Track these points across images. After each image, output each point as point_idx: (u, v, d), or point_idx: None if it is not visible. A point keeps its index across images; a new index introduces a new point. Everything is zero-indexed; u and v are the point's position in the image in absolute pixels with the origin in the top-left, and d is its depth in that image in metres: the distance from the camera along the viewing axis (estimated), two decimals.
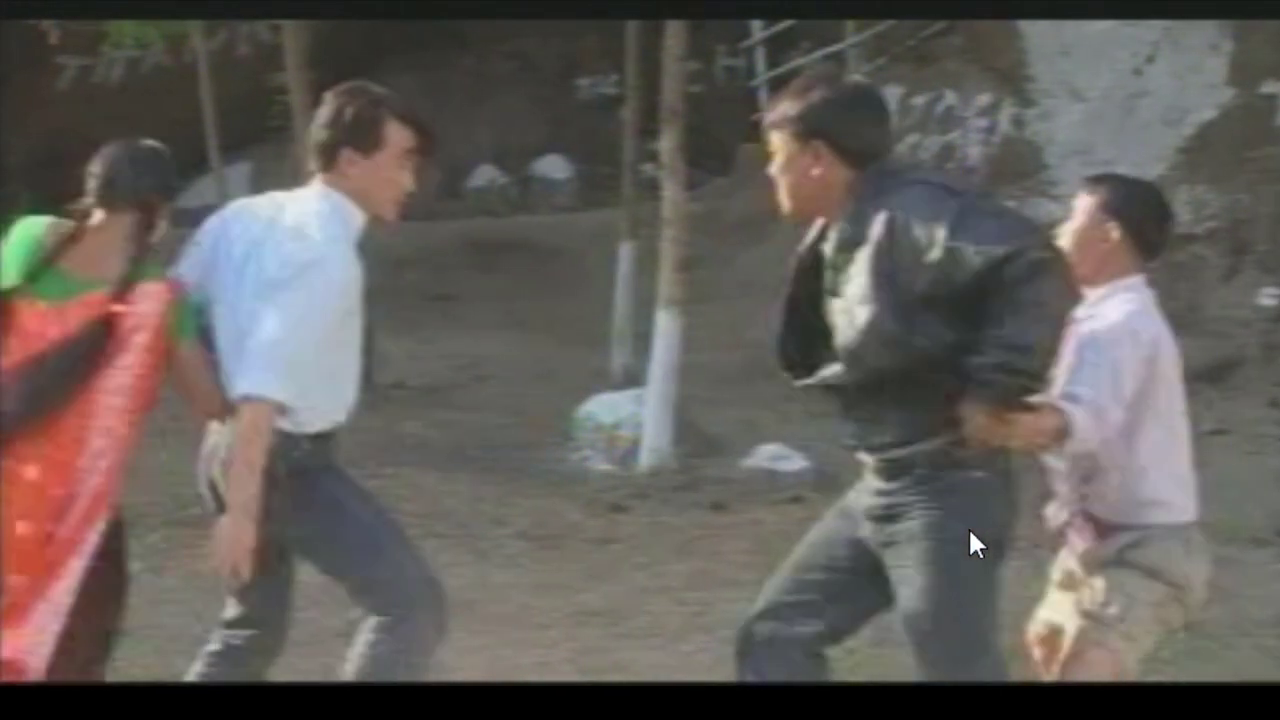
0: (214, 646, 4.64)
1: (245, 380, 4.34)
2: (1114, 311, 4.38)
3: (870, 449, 4.20)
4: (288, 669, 4.88)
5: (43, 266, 4.38)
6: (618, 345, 11.75)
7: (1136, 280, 4.48)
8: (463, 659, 6.36)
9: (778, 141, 4.21)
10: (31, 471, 4.33)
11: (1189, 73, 12.76)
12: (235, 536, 4.32)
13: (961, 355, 3.97)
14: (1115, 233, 4.45)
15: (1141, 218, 4.51)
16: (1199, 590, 4.49)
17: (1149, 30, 12.82)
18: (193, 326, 4.44)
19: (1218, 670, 6.13)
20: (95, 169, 4.48)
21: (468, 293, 14.05)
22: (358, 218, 4.50)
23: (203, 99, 13.04)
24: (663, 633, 6.93)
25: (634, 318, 11.57)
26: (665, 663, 6.46)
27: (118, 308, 4.35)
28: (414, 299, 13.43)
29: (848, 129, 4.15)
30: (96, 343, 4.35)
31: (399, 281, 12.95)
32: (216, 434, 4.52)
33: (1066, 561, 4.55)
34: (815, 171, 4.16)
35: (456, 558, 7.83)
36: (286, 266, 4.36)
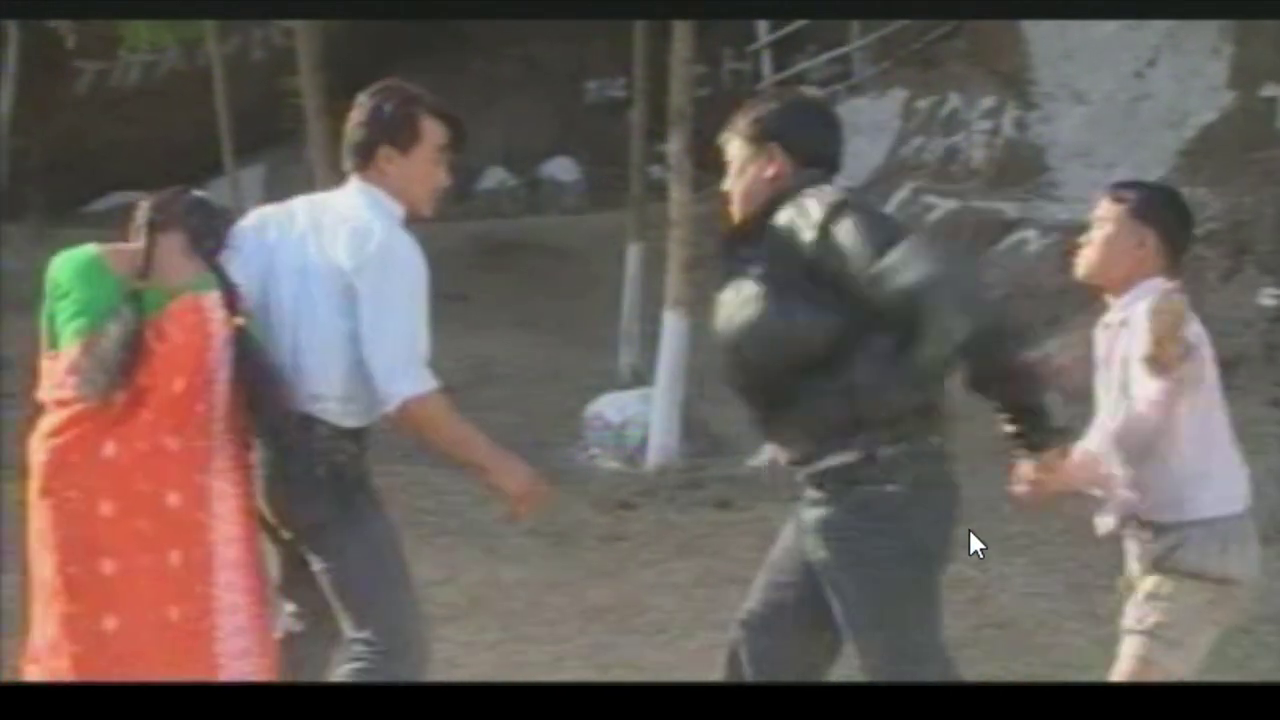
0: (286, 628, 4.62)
1: (399, 385, 4.34)
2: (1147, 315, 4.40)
3: (793, 463, 4.17)
4: None
5: (142, 286, 4.32)
6: (625, 345, 11.78)
7: (1158, 281, 4.48)
8: (473, 655, 6.46)
9: (734, 149, 4.26)
10: (173, 498, 4.29)
11: (1190, 76, 12.80)
12: (511, 474, 4.59)
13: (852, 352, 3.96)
14: (1150, 239, 4.47)
15: (1173, 222, 4.55)
16: (1248, 583, 4.46)
17: (1150, 34, 12.87)
18: (260, 335, 4.40)
19: (1220, 668, 6.16)
20: (147, 203, 4.48)
21: (477, 293, 14.00)
22: (397, 210, 4.51)
23: (217, 102, 13.12)
24: (670, 629, 6.98)
25: (641, 318, 11.59)
26: (672, 659, 6.51)
27: (232, 318, 4.34)
28: None
29: (803, 132, 4.21)
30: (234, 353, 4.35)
31: None
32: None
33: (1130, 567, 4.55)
34: (769, 173, 4.18)
35: (466, 555, 7.87)
36: (354, 259, 4.35)
